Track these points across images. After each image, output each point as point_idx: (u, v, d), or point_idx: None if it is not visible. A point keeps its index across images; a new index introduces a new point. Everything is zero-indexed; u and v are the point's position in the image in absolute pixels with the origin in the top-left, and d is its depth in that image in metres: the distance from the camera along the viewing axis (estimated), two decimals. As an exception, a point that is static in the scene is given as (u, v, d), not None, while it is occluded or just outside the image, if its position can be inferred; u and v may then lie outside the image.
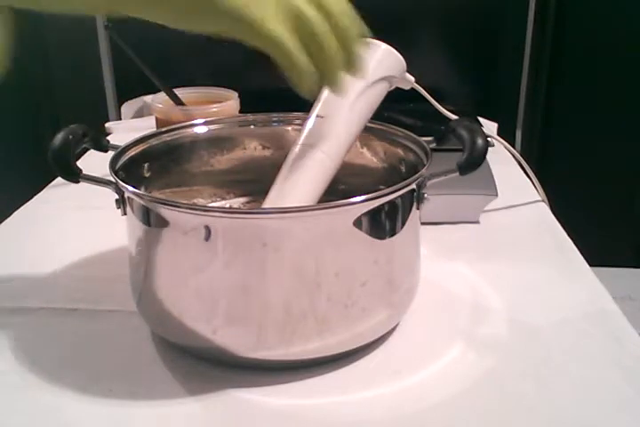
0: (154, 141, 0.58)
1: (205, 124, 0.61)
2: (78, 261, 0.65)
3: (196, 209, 0.47)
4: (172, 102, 0.86)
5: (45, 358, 0.52)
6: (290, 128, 0.63)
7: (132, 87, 1.01)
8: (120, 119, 1.14)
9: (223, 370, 0.50)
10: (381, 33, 1.02)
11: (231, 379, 0.49)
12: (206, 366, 0.51)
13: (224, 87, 0.92)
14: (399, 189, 0.48)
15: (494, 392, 0.49)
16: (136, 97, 1.06)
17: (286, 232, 0.46)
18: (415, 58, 1.14)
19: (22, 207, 0.79)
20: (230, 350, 0.49)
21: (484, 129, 0.84)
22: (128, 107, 1.03)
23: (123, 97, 1.09)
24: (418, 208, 0.52)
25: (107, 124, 1.03)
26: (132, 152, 0.55)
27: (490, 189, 0.73)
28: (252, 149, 0.63)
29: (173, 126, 0.60)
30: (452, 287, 0.62)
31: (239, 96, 0.90)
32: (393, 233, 0.50)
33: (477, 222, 0.75)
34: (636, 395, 0.48)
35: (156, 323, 0.53)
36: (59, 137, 0.52)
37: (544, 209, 0.78)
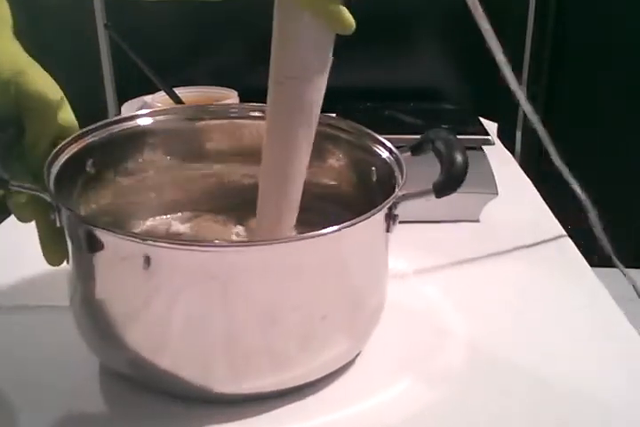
0: (98, 135, 0.54)
1: (154, 114, 0.57)
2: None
3: (134, 237, 0.43)
4: (171, 102, 0.86)
5: (45, 357, 0.52)
6: (248, 121, 0.59)
7: (132, 87, 1.01)
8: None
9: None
10: (382, 33, 1.02)
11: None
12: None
13: (224, 87, 0.93)
14: (366, 219, 0.44)
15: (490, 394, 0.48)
16: (136, 97, 1.06)
17: (238, 267, 0.42)
18: (415, 58, 1.14)
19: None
20: (176, 382, 0.45)
21: (484, 128, 0.84)
22: (128, 107, 1.03)
23: (123, 97, 1.08)
24: (388, 230, 0.48)
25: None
26: (74, 148, 0.51)
27: (490, 187, 0.73)
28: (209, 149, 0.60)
29: (118, 118, 0.56)
30: (450, 288, 0.62)
31: (239, 96, 0.90)
32: (358, 263, 0.47)
33: (477, 221, 0.74)
34: (637, 395, 0.48)
35: (100, 353, 0.50)
36: None
37: (544, 209, 0.78)
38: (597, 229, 0.72)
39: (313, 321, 0.46)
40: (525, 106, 0.62)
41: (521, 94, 0.61)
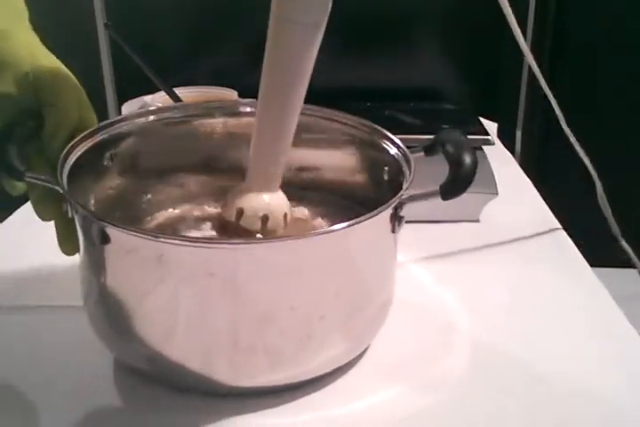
0: (112, 131, 0.54)
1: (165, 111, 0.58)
2: (77, 260, 0.65)
3: (142, 233, 0.43)
4: (172, 102, 0.86)
5: (45, 356, 0.52)
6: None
7: (132, 87, 1.01)
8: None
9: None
10: (382, 33, 1.02)
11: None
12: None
13: (224, 87, 0.93)
14: (372, 217, 0.44)
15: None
16: (136, 97, 1.06)
17: (235, 264, 0.43)
18: (416, 58, 1.14)
19: (22, 207, 0.79)
20: (188, 375, 0.46)
21: (484, 128, 0.84)
22: (128, 106, 1.03)
23: (123, 97, 1.08)
24: (394, 231, 0.48)
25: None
26: (89, 142, 0.51)
27: (490, 187, 0.73)
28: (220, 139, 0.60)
29: (130, 114, 0.56)
30: (450, 288, 0.62)
31: (239, 96, 0.90)
32: (363, 263, 0.47)
33: (477, 221, 0.74)
34: (637, 395, 0.48)
35: (114, 348, 0.50)
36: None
37: (544, 209, 0.78)
38: (611, 222, 0.72)
39: (312, 320, 0.46)
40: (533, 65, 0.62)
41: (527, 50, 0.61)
